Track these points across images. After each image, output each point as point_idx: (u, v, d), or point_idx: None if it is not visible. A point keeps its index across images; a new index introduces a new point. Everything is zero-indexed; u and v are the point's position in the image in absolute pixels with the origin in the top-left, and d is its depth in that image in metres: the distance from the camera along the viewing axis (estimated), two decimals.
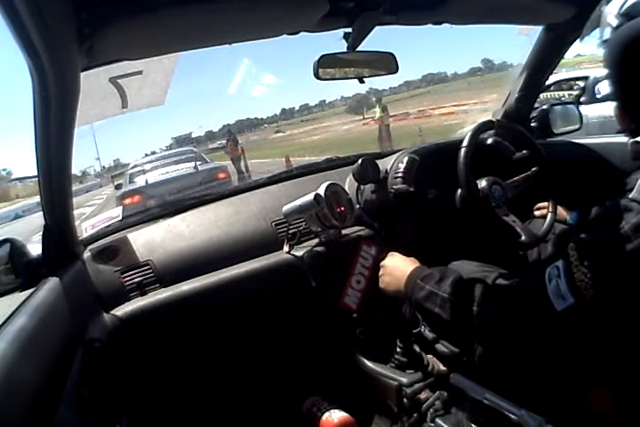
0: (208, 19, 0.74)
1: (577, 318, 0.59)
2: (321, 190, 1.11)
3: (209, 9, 0.69)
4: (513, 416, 0.75)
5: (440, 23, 1.05)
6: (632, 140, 0.69)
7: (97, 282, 1.05)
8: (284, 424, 1.13)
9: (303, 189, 1.20)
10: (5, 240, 0.88)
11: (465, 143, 1.07)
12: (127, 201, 5.83)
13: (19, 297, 0.78)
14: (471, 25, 1.20)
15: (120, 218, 1.24)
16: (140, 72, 0.97)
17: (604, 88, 4.62)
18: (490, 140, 1.13)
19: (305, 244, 1.18)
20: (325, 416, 1.04)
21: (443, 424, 0.85)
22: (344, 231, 1.19)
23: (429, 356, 1.05)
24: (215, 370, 1.16)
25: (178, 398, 1.12)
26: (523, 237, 1.04)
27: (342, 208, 1.16)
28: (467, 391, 0.84)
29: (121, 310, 1.01)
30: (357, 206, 1.27)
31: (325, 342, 1.19)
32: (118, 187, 7.24)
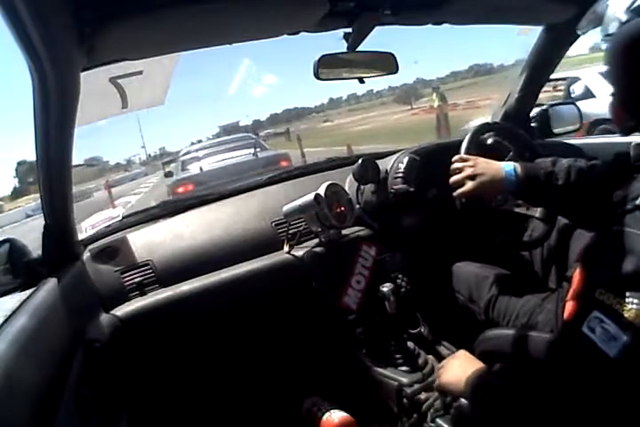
0: (208, 19, 0.74)
1: (633, 356, 0.53)
2: (321, 190, 1.11)
3: (209, 9, 0.69)
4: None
5: (440, 23, 1.05)
6: (635, 142, 0.69)
7: (97, 282, 1.05)
8: (284, 424, 1.13)
9: (303, 189, 1.20)
10: (5, 240, 0.88)
11: (465, 143, 1.07)
12: (180, 190, 5.32)
13: (19, 297, 0.79)
14: (471, 25, 1.20)
15: (120, 218, 1.24)
16: (140, 72, 0.97)
17: (578, 88, 4.82)
18: (490, 141, 1.13)
19: (305, 244, 1.18)
20: (325, 416, 1.04)
21: (443, 424, 0.85)
22: (344, 231, 1.19)
23: (429, 356, 1.05)
24: (215, 370, 1.16)
25: (178, 397, 1.12)
26: (531, 232, 1.05)
27: (342, 208, 1.16)
28: None
29: (121, 310, 1.01)
30: (357, 206, 1.27)
31: (325, 343, 1.19)
32: (168, 175, 6.81)
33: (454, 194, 0.95)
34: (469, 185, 0.91)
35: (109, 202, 9.43)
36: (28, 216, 20.05)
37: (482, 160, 0.93)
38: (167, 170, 7.38)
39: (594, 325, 0.56)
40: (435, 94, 10.03)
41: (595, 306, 0.57)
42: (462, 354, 0.84)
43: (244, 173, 4.77)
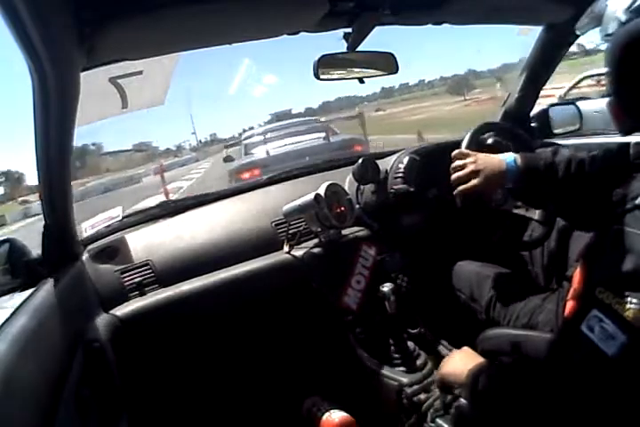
0: (208, 19, 0.74)
1: (632, 356, 0.54)
2: (321, 190, 1.11)
3: (209, 9, 0.69)
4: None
5: (440, 23, 1.05)
6: (635, 141, 0.69)
7: (97, 282, 1.05)
8: (284, 424, 1.13)
9: (303, 189, 1.20)
10: (5, 240, 0.88)
11: (465, 143, 1.07)
12: (245, 175, 4.84)
13: (19, 297, 0.79)
14: (471, 25, 1.20)
15: (120, 218, 1.24)
16: (140, 72, 0.97)
17: None
18: (490, 140, 1.13)
19: (305, 244, 1.18)
20: (325, 416, 1.04)
21: (443, 424, 0.85)
22: (344, 231, 1.19)
23: (429, 356, 1.05)
24: (215, 370, 1.16)
25: (178, 397, 1.12)
26: (531, 232, 1.04)
27: (342, 208, 1.16)
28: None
29: (121, 310, 1.01)
30: (357, 206, 1.27)
31: (325, 343, 1.19)
32: (228, 159, 6.34)
33: (457, 191, 0.93)
34: (473, 181, 0.90)
35: (162, 186, 9.13)
36: (76, 201, 20.52)
37: (482, 155, 0.92)
38: (226, 154, 6.69)
39: (593, 323, 0.56)
40: (499, 84, 9.52)
41: (594, 305, 0.57)
42: (466, 349, 0.84)
43: (316, 158, 4.02)
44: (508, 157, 0.88)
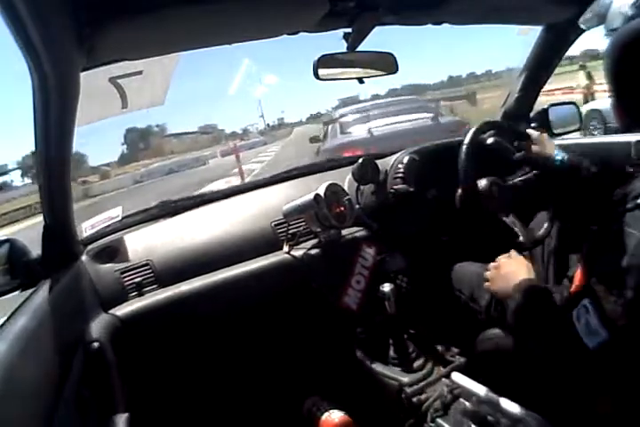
0: (208, 19, 0.74)
1: (611, 352, 0.57)
2: (321, 190, 1.11)
3: (209, 9, 0.69)
4: (513, 416, 0.75)
5: (440, 23, 1.05)
6: (636, 140, 0.70)
7: (97, 282, 1.05)
8: (284, 424, 1.13)
9: (303, 189, 1.20)
10: (5, 240, 0.87)
11: (465, 143, 1.07)
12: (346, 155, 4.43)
13: (19, 297, 0.79)
14: (471, 25, 1.20)
15: (120, 218, 1.24)
16: (139, 72, 0.97)
17: None
18: (490, 140, 1.13)
19: (305, 244, 1.18)
20: (325, 416, 1.04)
21: (443, 424, 0.85)
22: (344, 232, 1.19)
23: (430, 356, 1.05)
24: (215, 370, 1.16)
25: (178, 397, 1.12)
26: (521, 238, 1.04)
27: (342, 208, 1.16)
28: (467, 391, 0.84)
29: (121, 310, 1.01)
30: (357, 207, 1.27)
31: (326, 342, 1.19)
32: (315, 140, 5.93)
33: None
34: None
35: (237, 166, 9.07)
36: (137, 182, 20.21)
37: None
38: (323, 132, 6.09)
39: (581, 313, 0.59)
40: (582, 73, 8.86)
41: (587, 294, 0.60)
42: (515, 255, 0.90)
43: (422, 139, 3.75)
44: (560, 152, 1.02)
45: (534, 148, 1.07)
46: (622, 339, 0.56)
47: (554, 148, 1.05)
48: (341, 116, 5.58)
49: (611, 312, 0.56)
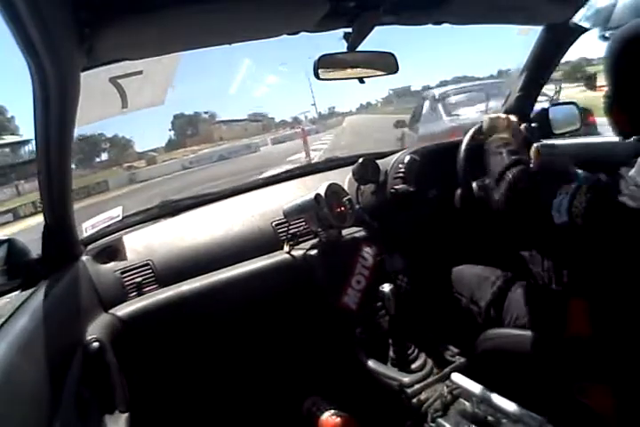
0: (208, 19, 0.73)
1: (567, 235, 0.71)
2: (321, 190, 1.11)
3: (209, 9, 0.69)
4: (513, 416, 0.75)
5: (440, 23, 1.05)
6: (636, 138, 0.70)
7: (97, 282, 1.05)
8: (284, 424, 1.13)
9: (303, 189, 1.20)
10: (5, 240, 0.87)
11: (464, 143, 1.07)
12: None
13: (19, 297, 0.79)
14: (471, 25, 1.20)
15: (120, 218, 1.24)
16: (140, 72, 0.97)
17: None
18: None
19: (305, 244, 1.18)
20: (325, 416, 1.04)
21: (443, 424, 0.85)
22: (344, 231, 1.19)
23: (430, 356, 1.05)
24: (215, 370, 1.16)
25: (178, 397, 1.12)
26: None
27: (342, 208, 1.16)
28: (467, 391, 0.84)
29: (121, 310, 1.01)
30: (357, 207, 1.27)
31: (325, 342, 1.19)
32: (401, 124, 5.52)
33: None
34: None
35: (303, 150, 9.51)
36: (185, 168, 20.30)
37: None
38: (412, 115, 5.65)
39: (563, 192, 0.70)
40: None
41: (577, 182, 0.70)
42: None
43: None
44: None
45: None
46: (577, 233, 0.69)
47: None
48: (442, 97, 4.91)
49: (574, 208, 0.67)
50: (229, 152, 22.50)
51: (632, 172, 0.66)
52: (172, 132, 50.00)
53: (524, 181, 0.81)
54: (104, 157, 39.55)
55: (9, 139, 27.44)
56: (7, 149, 27.23)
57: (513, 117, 1.05)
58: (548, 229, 0.71)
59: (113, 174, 24.41)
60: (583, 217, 0.66)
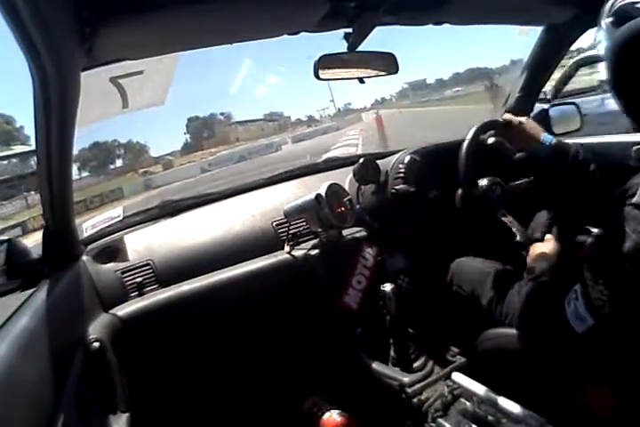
0: (208, 19, 0.74)
1: (597, 338, 0.61)
2: (322, 190, 1.11)
3: (209, 9, 0.69)
4: (514, 416, 0.75)
5: (440, 23, 1.05)
6: (636, 147, 0.70)
7: (97, 282, 1.05)
8: (284, 424, 1.13)
9: (304, 189, 1.20)
10: (5, 240, 0.88)
11: (465, 143, 1.07)
12: None
13: (19, 297, 0.79)
14: (471, 25, 1.20)
15: (120, 218, 1.24)
16: (140, 72, 0.97)
17: None
18: (491, 140, 1.13)
19: (305, 244, 1.18)
20: (326, 416, 1.04)
21: (443, 424, 0.85)
22: (344, 232, 1.19)
23: (430, 356, 1.05)
24: (216, 369, 1.16)
25: (178, 397, 1.12)
26: (518, 238, 1.04)
27: (343, 208, 1.16)
28: (468, 391, 0.84)
29: (121, 310, 1.01)
30: (358, 207, 1.27)
31: (326, 342, 1.19)
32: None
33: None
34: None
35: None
36: (204, 171, 19.95)
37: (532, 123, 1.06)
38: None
39: (571, 298, 0.63)
40: None
41: (579, 279, 0.63)
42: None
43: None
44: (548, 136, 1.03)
45: (520, 131, 1.05)
46: (608, 327, 0.59)
47: (541, 132, 1.04)
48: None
49: (596, 301, 0.59)
50: (250, 153, 22.10)
51: (635, 199, 0.59)
52: (188, 136, 49.95)
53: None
54: (118, 163, 39.34)
55: (18, 149, 27.19)
56: (15, 160, 27.08)
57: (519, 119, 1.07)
58: (572, 342, 0.64)
59: (128, 181, 24.22)
60: (611, 303, 0.57)
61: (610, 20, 0.65)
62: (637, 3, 0.62)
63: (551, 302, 0.72)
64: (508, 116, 1.09)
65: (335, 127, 28.11)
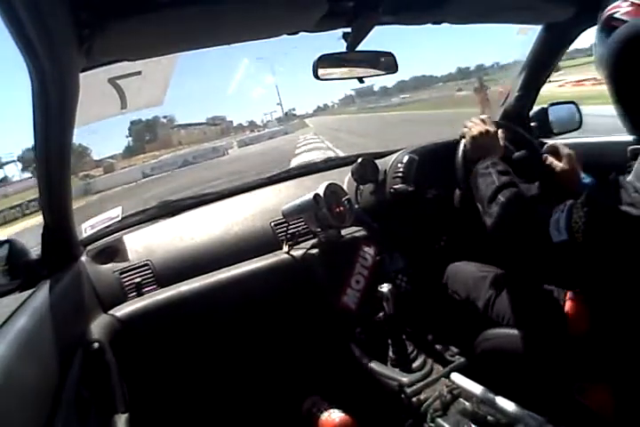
0: (208, 19, 0.73)
1: (567, 253, 0.67)
2: (320, 190, 1.11)
3: (209, 9, 0.69)
4: (513, 416, 0.75)
5: (440, 23, 1.05)
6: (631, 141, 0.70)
7: (96, 283, 1.05)
8: (284, 424, 1.13)
9: (302, 189, 1.20)
10: (5, 241, 0.88)
11: (463, 143, 1.07)
12: None
13: (19, 297, 0.79)
14: (471, 25, 1.20)
15: (119, 218, 1.24)
16: (139, 72, 0.97)
17: None
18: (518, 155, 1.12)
19: (304, 244, 1.18)
20: (325, 416, 1.04)
21: (442, 424, 0.85)
22: (343, 231, 1.19)
23: (429, 356, 1.05)
24: (215, 370, 1.16)
25: (178, 397, 1.12)
26: None
27: (341, 208, 1.16)
28: (467, 391, 0.84)
29: (120, 311, 1.01)
30: (356, 206, 1.27)
31: (325, 342, 1.19)
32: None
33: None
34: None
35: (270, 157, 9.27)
36: (146, 176, 19.32)
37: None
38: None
39: (559, 209, 0.68)
40: None
41: (573, 197, 0.68)
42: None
43: None
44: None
45: (559, 164, 1.02)
46: (578, 249, 0.65)
47: (579, 168, 1.01)
48: None
49: (574, 223, 0.64)
50: (194, 156, 21.21)
51: (630, 177, 0.64)
52: (130, 139, 49.73)
53: (516, 203, 0.79)
54: None
55: None
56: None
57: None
58: (546, 249, 0.69)
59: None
60: (584, 232, 0.63)
61: (600, 32, 0.67)
62: (617, 12, 0.65)
63: (547, 297, 0.75)
64: (560, 145, 1.05)
65: (283, 131, 27.74)
